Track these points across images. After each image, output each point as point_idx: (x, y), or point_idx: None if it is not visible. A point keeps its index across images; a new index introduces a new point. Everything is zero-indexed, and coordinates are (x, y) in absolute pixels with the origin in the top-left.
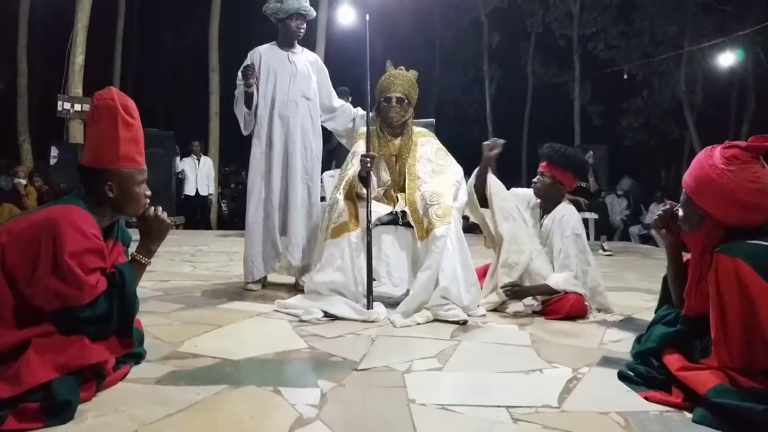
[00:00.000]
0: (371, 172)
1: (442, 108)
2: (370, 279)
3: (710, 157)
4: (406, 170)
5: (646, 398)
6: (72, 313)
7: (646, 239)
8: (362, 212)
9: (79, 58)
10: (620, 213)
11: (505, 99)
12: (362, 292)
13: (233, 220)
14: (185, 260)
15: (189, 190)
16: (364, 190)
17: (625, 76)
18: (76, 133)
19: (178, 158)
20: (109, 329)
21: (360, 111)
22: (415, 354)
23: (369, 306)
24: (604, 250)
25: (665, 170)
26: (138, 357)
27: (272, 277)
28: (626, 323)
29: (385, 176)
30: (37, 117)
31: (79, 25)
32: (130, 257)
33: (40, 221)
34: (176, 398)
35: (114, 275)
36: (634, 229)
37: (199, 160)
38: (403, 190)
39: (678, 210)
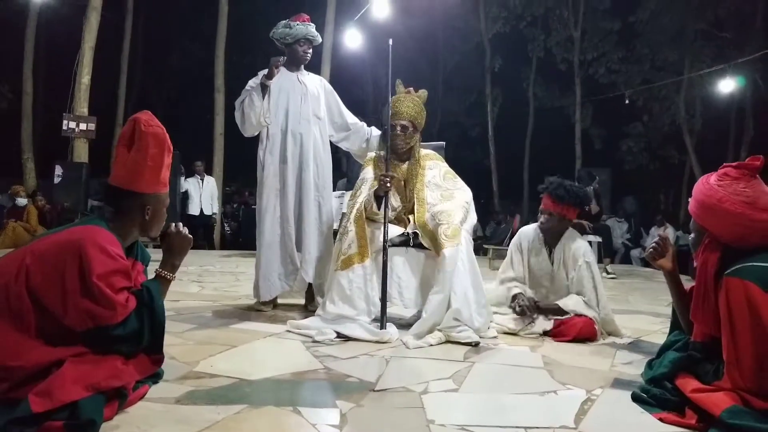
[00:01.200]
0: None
1: (445, 130)
2: (385, 299)
3: (707, 179)
4: (415, 195)
5: (660, 420)
6: (104, 332)
7: (647, 262)
8: (375, 237)
9: (85, 78)
10: (621, 236)
11: (507, 122)
12: (374, 314)
13: (236, 240)
14: (193, 280)
15: (193, 209)
16: (380, 212)
17: (627, 101)
18: (81, 152)
19: (182, 178)
20: (141, 346)
21: (375, 131)
22: (431, 375)
23: (382, 326)
24: (608, 272)
25: (665, 194)
26: (156, 377)
27: (282, 299)
28: (635, 346)
29: (395, 202)
30: (41, 136)
31: (86, 45)
32: (154, 274)
33: (63, 242)
34: (197, 418)
35: (142, 292)
36: (635, 252)
37: (202, 180)
38: (412, 212)
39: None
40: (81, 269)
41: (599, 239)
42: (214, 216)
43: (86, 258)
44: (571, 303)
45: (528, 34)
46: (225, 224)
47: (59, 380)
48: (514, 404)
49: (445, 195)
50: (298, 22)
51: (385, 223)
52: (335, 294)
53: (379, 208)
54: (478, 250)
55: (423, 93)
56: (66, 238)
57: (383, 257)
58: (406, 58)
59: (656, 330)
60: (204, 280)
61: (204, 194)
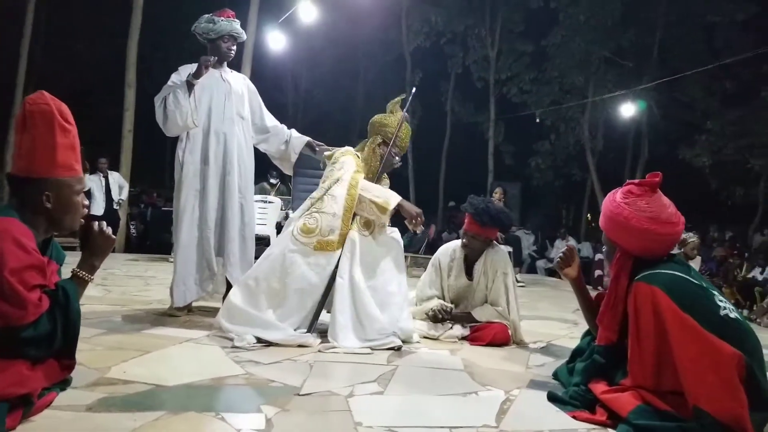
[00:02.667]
0: None
1: (363, 139)
2: (322, 305)
3: (613, 196)
4: None
5: (573, 417)
6: (13, 333)
7: (552, 272)
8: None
9: None
10: (528, 248)
11: (425, 134)
12: (305, 317)
13: (143, 243)
14: (97, 284)
15: (96, 209)
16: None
17: (537, 120)
18: None
19: (86, 174)
20: (52, 349)
21: (294, 132)
22: (355, 378)
23: (310, 329)
24: (517, 281)
25: (566, 209)
26: (64, 383)
27: (198, 303)
28: (547, 349)
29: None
30: None
31: None
32: (71, 273)
33: None
34: (111, 426)
35: (56, 292)
36: (541, 263)
37: (106, 177)
38: None
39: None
40: None
41: (510, 249)
42: (120, 201)
43: None
44: (483, 312)
45: (448, 51)
46: (131, 226)
47: None
48: (438, 405)
49: None
50: (222, 18)
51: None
52: (297, 267)
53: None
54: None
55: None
56: None
57: (336, 267)
58: (327, 65)
59: (564, 334)
60: (109, 284)
61: (112, 191)
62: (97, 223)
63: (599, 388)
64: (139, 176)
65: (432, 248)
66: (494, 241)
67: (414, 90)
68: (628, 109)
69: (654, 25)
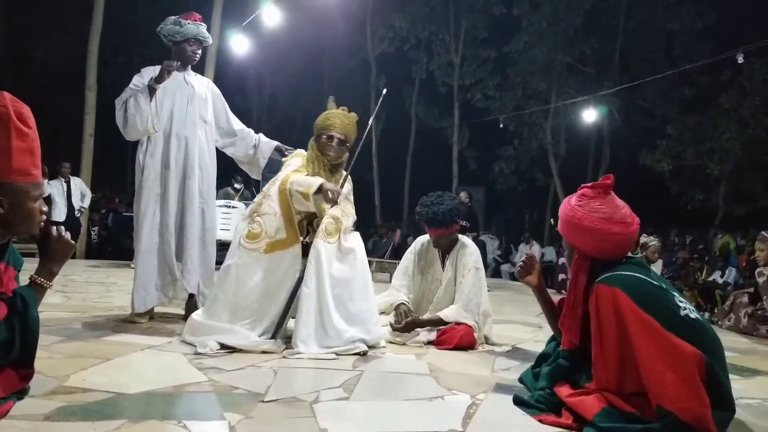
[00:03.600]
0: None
1: None
2: (287, 311)
3: (569, 200)
4: None
5: (540, 421)
6: None
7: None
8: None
9: None
10: (492, 252)
11: (390, 139)
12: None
13: (105, 249)
14: (57, 290)
15: (57, 215)
16: (325, 205)
17: (501, 125)
18: None
19: (46, 180)
20: (10, 357)
21: (263, 137)
22: (320, 384)
23: (275, 336)
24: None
25: (530, 214)
26: (21, 392)
27: (159, 309)
28: (513, 353)
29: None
30: None
31: None
32: (29, 279)
33: None
34: None
35: (14, 299)
36: (505, 267)
37: (68, 182)
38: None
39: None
40: None
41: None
42: (82, 208)
43: None
44: (451, 313)
45: (412, 56)
46: (92, 232)
47: None
48: (404, 410)
49: (347, 206)
50: (189, 21)
51: (314, 234)
52: (254, 276)
53: (315, 200)
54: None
55: (354, 115)
56: None
57: (300, 275)
58: (291, 69)
59: (529, 338)
60: (69, 291)
61: (74, 197)
62: (55, 228)
63: (564, 391)
64: (101, 181)
65: (398, 253)
66: (463, 235)
67: (384, 92)
68: (589, 115)
69: (615, 32)
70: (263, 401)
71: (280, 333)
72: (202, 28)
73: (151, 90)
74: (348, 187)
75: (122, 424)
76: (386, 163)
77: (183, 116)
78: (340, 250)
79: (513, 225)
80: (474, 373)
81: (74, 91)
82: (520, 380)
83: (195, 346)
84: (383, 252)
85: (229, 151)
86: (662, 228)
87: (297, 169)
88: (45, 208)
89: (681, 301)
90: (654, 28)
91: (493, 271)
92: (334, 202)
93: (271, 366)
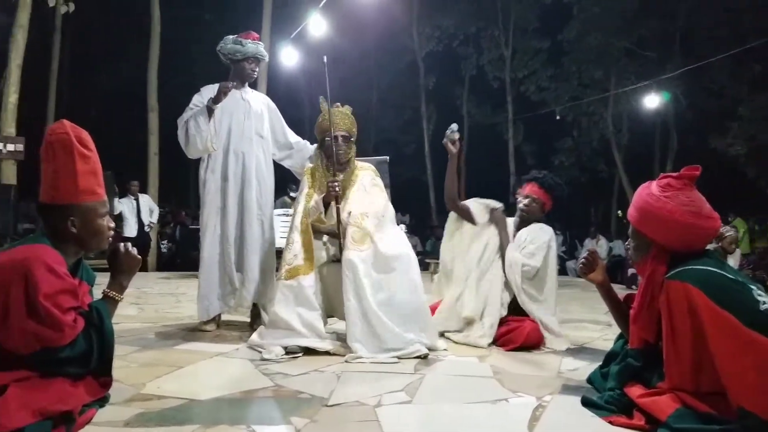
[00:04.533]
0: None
1: (380, 147)
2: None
3: (648, 189)
4: (344, 202)
5: (610, 422)
6: (51, 355)
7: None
8: (317, 253)
9: (12, 97)
10: (557, 248)
11: (442, 138)
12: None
13: (174, 260)
14: (131, 302)
15: (128, 231)
16: (326, 220)
17: (558, 117)
18: (9, 174)
19: (116, 199)
20: (89, 368)
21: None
22: (383, 388)
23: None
24: None
25: (595, 207)
26: (103, 400)
27: (226, 317)
28: (580, 352)
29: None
30: None
31: (13, 63)
32: (102, 293)
33: (7, 263)
34: None
35: (90, 313)
36: (571, 264)
37: (137, 200)
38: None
39: (628, 245)
40: (27, 289)
41: None
42: (151, 224)
43: (32, 277)
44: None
45: (461, 53)
46: (161, 245)
47: (3, 406)
48: (468, 414)
49: (366, 198)
50: (249, 40)
51: (339, 228)
52: (281, 304)
53: (326, 215)
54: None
55: (348, 107)
56: (10, 257)
57: (340, 243)
58: (340, 77)
59: (598, 337)
60: (143, 302)
61: (143, 212)
62: (123, 244)
63: (636, 391)
64: (167, 196)
65: None
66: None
67: (325, 59)
68: (652, 101)
69: (675, 12)
70: (327, 405)
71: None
72: (261, 46)
73: (210, 111)
74: (369, 176)
75: (195, 429)
76: (440, 163)
77: (240, 132)
78: (377, 256)
79: (577, 219)
80: (539, 375)
81: (138, 113)
82: (589, 381)
83: (261, 352)
84: None
85: (286, 163)
86: (740, 216)
87: (307, 193)
88: (112, 224)
89: (760, 295)
90: (718, 4)
91: (558, 268)
92: (336, 194)
93: (334, 370)
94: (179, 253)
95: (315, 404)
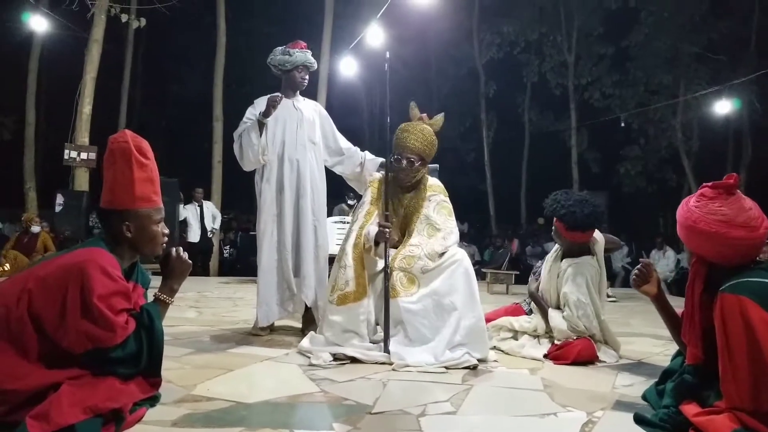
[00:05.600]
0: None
1: (441, 156)
2: (388, 323)
3: (687, 201)
4: (406, 230)
5: None
6: (103, 354)
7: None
8: (376, 262)
9: (86, 108)
10: (621, 260)
11: (503, 146)
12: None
13: (235, 266)
14: (190, 306)
15: (192, 237)
16: (377, 257)
17: (622, 124)
18: (82, 181)
19: (181, 205)
20: (139, 368)
21: (368, 155)
22: (428, 398)
23: (386, 349)
24: (608, 296)
25: (663, 217)
26: (153, 400)
27: (279, 322)
28: (637, 367)
29: (395, 237)
30: (43, 165)
31: (87, 76)
32: (153, 297)
33: (66, 265)
34: None
35: (141, 315)
36: None
37: (200, 206)
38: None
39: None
40: (82, 290)
41: None
42: (214, 230)
43: (87, 279)
44: (556, 323)
45: (522, 60)
46: (223, 251)
47: (56, 403)
48: (514, 427)
49: (430, 231)
50: (297, 50)
51: (386, 250)
52: (330, 328)
53: (376, 253)
54: (476, 274)
55: (438, 120)
56: (69, 260)
57: (385, 282)
58: (400, 85)
59: (658, 352)
60: (201, 306)
61: (206, 219)
62: (175, 249)
63: (691, 410)
64: (230, 203)
65: (515, 263)
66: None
67: (387, 54)
68: (723, 107)
69: (749, 13)
70: (371, 413)
71: (389, 343)
72: (308, 54)
73: (261, 125)
74: (437, 198)
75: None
76: (500, 171)
77: (294, 140)
78: (428, 296)
79: (644, 230)
80: (592, 389)
81: (204, 123)
82: (644, 397)
83: (309, 357)
84: (500, 263)
85: (337, 170)
86: None
87: (368, 211)
88: (167, 231)
89: None
90: None
91: (623, 280)
92: (387, 239)
93: (380, 378)
94: (240, 259)
95: (359, 411)
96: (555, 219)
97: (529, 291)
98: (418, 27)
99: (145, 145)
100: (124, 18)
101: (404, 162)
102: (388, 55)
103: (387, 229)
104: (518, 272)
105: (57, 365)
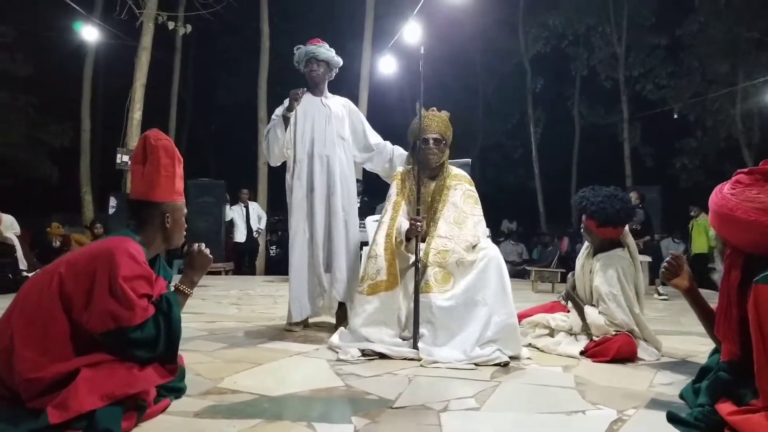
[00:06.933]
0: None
1: (486, 153)
2: (417, 318)
3: (721, 188)
4: (432, 218)
5: None
6: (123, 334)
7: (711, 284)
8: (406, 257)
9: (137, 114)
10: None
11: (552, 142)
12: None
13: (280, 265)
14: (232, 303)
15: (239, 237)
16: (409, 252)
17: (675, 116)
18: None
19: (227, 206)
20: (156, 352)
21: (398, 149)
22: (453, 394)
23: (415, 345)
24: (659, 294)
25: None
26: (179, 391)
27: (314, 318)
28: (679, 366)
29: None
30: (98, 170)
31: (137, 83)
32: (173, 287)
33: (96, 251)
34: (212, 431)
35: (161, 301)
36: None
37: (246, 207)
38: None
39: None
40: (110, 272)
41: (649, 259)
42: (259, 231)
43: (114, 262)
44: (594, 317)
45: (570, 53)
46: (269, 250)
47: (74, 391)
48: (537, 423)
49: (458, 219)
50: (302, 46)
51: (416, 245)
52: (359, 318)
53: (408, 248)
54: (522, 273)
55: (445, 113)
56: (98, 246)
57: (416, 277)
58: (444, 83)
59: (705, 351)
60: (242, 303)
61: (252, 219)
62: (197, 244)
63: (726, 408)
64: (276, 204)
65: (564, 262)
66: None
67: (422, 49)
68: None
69: None
70: (392, 407)
71: (418, 339)
72: (314, 46)
73: (285, 119)
74: (462, 187)
75: (258, 423)
76: (549, 168)
77: (323, 137)
78: (462, 294)
79: None
80: (627, 387)
81: (250, 126)
82: (681, 396)
83: (338, 353)
84: (549, 261)
85: (367, 166)
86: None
87: (396, 202)
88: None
89: None
90: None
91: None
92: (418, 234)
93: (407, 374)
94: (286, 258)
95: (380, 406)
96: (585, 217)
97: (566, 290)
98: (462, 23)
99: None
100: (171, 25)
101: (431, 141)
102: (423, 51)
103: (419, 223)
104: (564, 270)
105: (78, 352)
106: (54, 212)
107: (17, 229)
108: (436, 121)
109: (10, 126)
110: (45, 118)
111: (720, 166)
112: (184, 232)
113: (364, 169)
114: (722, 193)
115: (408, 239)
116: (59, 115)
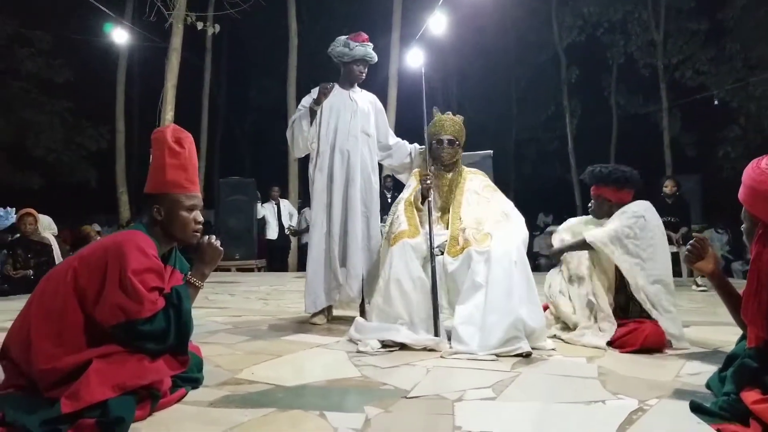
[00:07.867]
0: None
1: (522, 146)
2: (437, 304)
3: (757, 163)
4: (453, 202)
5: (718, 431)
6: (133, 327)
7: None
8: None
9: (168, 115)
10: (720, 249)
11: (589, 133)
12: (423, 318)
13: None
14: (260, 298)
15: (271, 234)
16: (423, 206)
17: (716, 102)
18: None
19: (259, 204)
20: (167, 344)
21: (417, 147)
22: (470, 384)
23: (436, 333)
24: (698, 285)
25: None
26: (196, 382)
27: (338, 312)
28: (710, 356)
29: (439, 201)
30: (134, 171)
31: (168, 84)
32: (184, 279)
33: (107, 245)
34: (224, 420)
35: (171, 294)
36: (736, 265)
37: (278, 204)
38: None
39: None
40: (119, 265)
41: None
42: (291, 227)
43: (124, 255)
44: (597, 234)
45: (606, 41)
46: (301, 247)
47: (86, 382)
48: (554, 413)
49: (482, 202)
50: (357, 43)
51: (430, 229)
52: (379, 295)
53: (423, 203)
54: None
55: (460, 117)
56: (110, 240)
57: (431, 264)
58: (477, 76)
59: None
60: (270, 298)
61: (283, 217)
62: (208, 236)
63: (751, 396)
64: (307, 202)
65: None
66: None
67: (423, 55)
68: None
69: None
70: (406, 397)
71: (440, 330)
72: (369, 48)
73: (312, 112)
74: (479, 180)
75: (270, 412)
76: (586, 160)
77: (346, 131)
78: (492, 256)
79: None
80: (652, 378)
81: (282, 124)
82: (707, 386)
83: (357, 344)
84: None
85: (386, 163)
86: None
87: (414, 188)
88: (200, 219)
89: None
90: None
91: (723, 269)
92: (427, 186)
93: (426, 365)
94: None
95: (394, 396)
96: (600, 185)
97: (553, 250)
98: (493, 15)
99: (185, 136)
100: (199, 25)
101: (445, 141)
102: (423, 71)
103: (428, 175)
104: None
105: (92, 344)
106: (94, 213)
107: (54, 229)
108: (450, 123)
109: (51, 130)
110: (82, 121)
111: (764, 153)
112: (194, 228)
113: None
114: (760, 167)
115: (424, 198)
116: (95, 118)
